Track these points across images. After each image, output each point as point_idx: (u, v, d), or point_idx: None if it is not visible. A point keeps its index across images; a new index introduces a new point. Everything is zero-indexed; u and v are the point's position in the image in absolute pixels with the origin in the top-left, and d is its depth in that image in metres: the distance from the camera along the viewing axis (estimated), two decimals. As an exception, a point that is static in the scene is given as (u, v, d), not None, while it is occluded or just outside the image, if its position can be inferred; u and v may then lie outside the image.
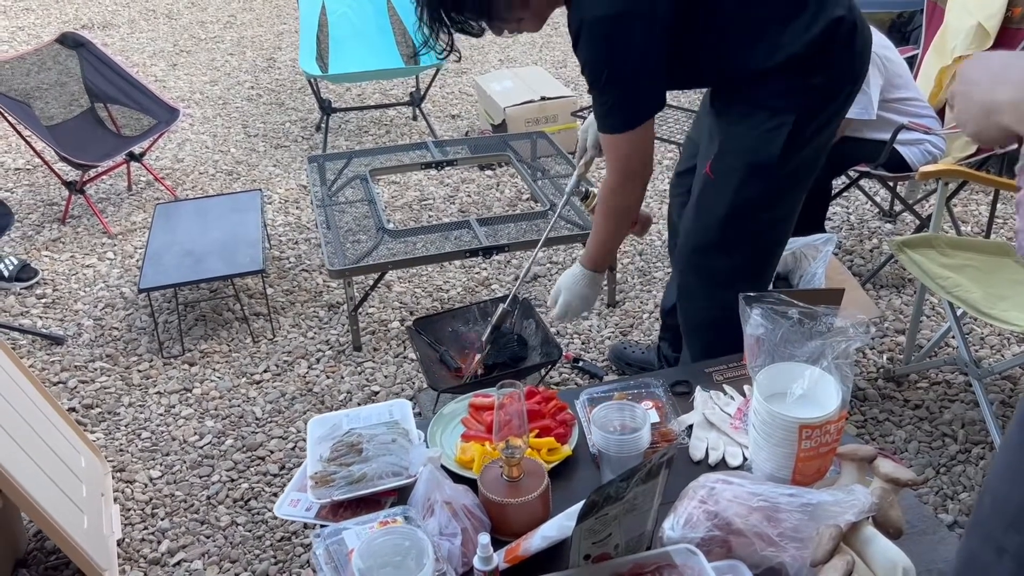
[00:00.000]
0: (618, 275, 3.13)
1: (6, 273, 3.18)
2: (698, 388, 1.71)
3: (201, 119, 4.73)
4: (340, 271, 2.66)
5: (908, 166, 2.80)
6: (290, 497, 1.48)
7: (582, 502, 1.13)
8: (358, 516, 1.38)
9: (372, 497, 1.44)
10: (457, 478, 1.46)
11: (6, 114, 3.48)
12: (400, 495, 1.45)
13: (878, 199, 3.58)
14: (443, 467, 1.46)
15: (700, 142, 2.05)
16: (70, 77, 3.87)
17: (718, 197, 1.84)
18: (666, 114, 3.96)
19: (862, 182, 3.33)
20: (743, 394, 1.68)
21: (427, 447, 1.54)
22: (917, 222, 3.19)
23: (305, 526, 2.12)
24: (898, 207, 3.46)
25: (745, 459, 1.52)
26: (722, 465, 1.53)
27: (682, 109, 3.84)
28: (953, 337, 2.55)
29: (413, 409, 1.56)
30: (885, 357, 2.68)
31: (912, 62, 3.23)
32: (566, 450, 1.54)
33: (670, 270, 2.38)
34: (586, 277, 1.96)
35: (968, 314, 2.14)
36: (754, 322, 1.36)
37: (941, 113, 3.09)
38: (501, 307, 2.23)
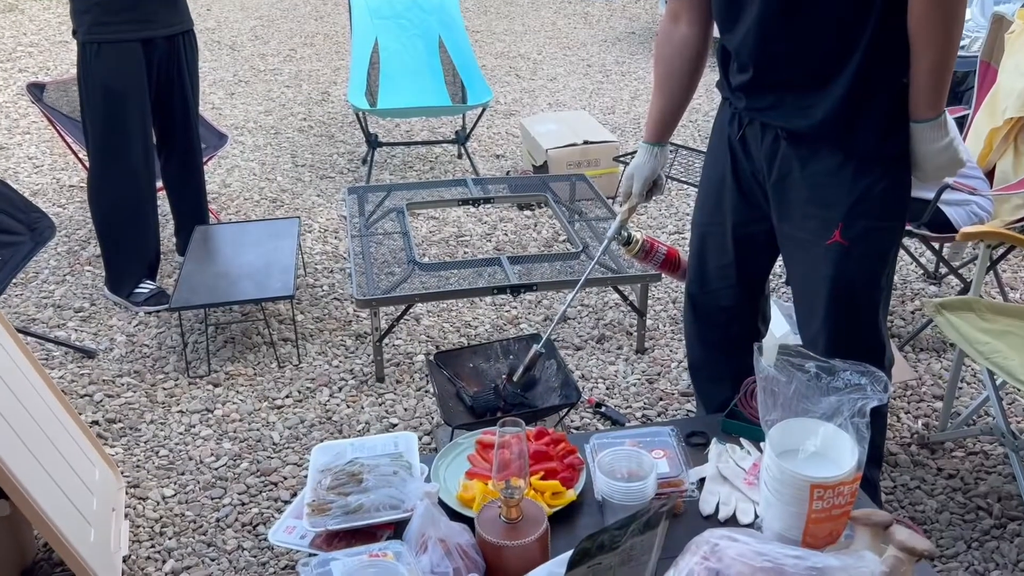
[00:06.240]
0: (648, 322, 3.08)
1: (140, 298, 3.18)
2: (714, 440, 1.66)
3: (252, 147, 4.83)
4: (367, 300, 2.66)
5: (953, 227, 2.73)
6: (286, 524, 1.46)
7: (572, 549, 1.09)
8: (352, 547, 1.35)
9: (368, 529, 1.41)
10: (456, 515, 1.42)
11: (62, 133, 3.60)
12: (397, 529, 1.42)
13: (923, 260, 3.49)
14: (442, 503, 1.43)
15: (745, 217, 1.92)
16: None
17: (863, 262, 1.74)
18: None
19: (907, 242, 3.25)
20: None
21: (429, 481, 1.51)
22: (961, 285, 3.10)
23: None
24: (943, 270, 3.36)
25: (757, 516, 1.46)
26: (732, 522, 1.47)
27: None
28: (992, 406, 2.44)
29: (430, 444, 1.54)
30: (920, 423, 2.58)
31: (962, 122, 3.16)
32: (571, 495, 1.50)
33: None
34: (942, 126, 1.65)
35: (1008, 383, 2.05)
36: (766, 373, 1.32)
37: (990, 175, 3.01)
38: (535, 348, 2.21)
